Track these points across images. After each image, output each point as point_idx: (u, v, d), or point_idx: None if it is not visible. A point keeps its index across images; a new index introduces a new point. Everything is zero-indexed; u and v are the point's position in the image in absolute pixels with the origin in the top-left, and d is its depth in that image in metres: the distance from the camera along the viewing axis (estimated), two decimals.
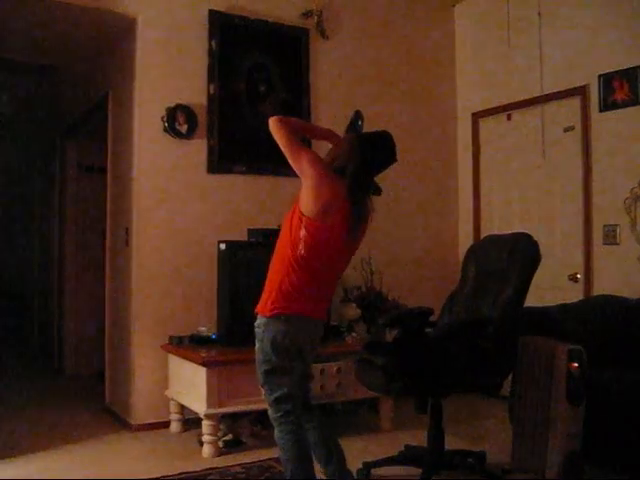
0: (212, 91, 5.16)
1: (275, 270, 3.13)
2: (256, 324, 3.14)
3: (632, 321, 4.43)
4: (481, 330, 3.68)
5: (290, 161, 3.14)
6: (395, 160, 3.36)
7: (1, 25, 5.15)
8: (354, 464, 4.10)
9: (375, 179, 3.33)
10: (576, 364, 3.67)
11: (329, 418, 5.03)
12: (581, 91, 5.27)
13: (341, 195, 3.07)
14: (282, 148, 3.14)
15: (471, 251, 4.38)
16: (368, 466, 3.89)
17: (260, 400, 4.42)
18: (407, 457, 3.99)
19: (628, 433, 3.75)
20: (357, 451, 4.30)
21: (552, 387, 3.71)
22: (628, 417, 3.75)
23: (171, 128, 5.00)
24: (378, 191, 3.47)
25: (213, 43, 5.18)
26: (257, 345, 3.12)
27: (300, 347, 3.13)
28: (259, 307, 3.15)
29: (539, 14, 5.45)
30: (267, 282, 3.17)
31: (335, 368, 4.62)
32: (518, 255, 3.82)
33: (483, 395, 5.27)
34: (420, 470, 3.65)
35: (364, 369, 3.83)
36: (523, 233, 3.97)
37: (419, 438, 4.06)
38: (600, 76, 5.12)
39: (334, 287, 3.36)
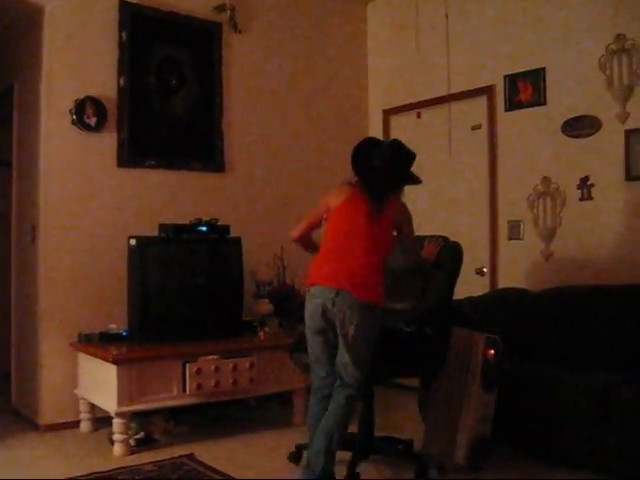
0: (122, 84, 5.07)
1: (375, 260, 3.51)
2: (371, 309, 3.45)
3: (534, 313, 4.63)
4: (428, 319, 3.82)
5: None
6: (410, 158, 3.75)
7: None
8: (269, 457, 4.17)
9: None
10: (492, 351, 3.84)
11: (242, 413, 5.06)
12: (487, 91, 5.45)
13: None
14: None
15: None
16: (300, 448, 3.95)
17: (172, 397, 4.43)
18: None
19: (530, 417, 3.96)
20: (271, 444, 4.35)
21: (467, 374, 3.87)
22: (530, 403, 3.95)
23: (80, 121, 4.88)
24: (416, 181, 3.76)
25: (123, 35, 5.08)
26: (367, 328, 3.42)
27: None
28: (371, 295, 3.46)
29: (446, 16, 5.59)
30: (366, 270, 3.49)
31: (247, 363, 4.62)
32: (443, 256, 3.98)
33: (386, 387, 5.37)
34: (350, 454, 3.70)
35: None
36: (442, 236, 4.12)
37: None
38: (506, 77, 5.31)
39: None
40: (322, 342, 3.52)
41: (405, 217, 3.66)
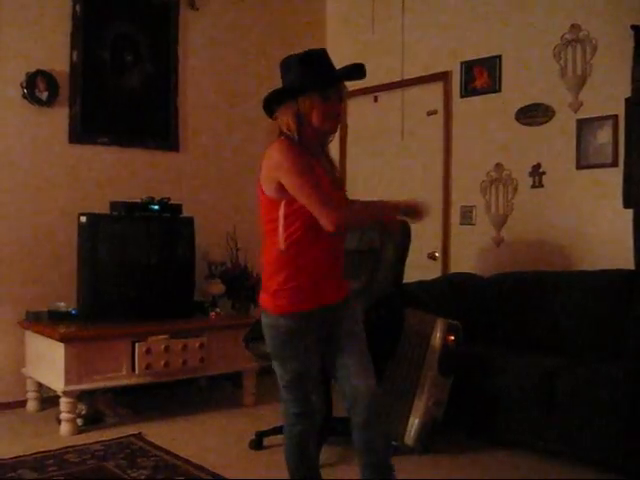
0: (75, 58, 4.97)
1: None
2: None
3: (484, 297, 4.70)
4: (382, 300, 3.83)
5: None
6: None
7: None
8: (221, 438, 4.16)
9: None
10: (452, 337, 3.89)
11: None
12: (444, 77, 5.47)
13: None
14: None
15: None
16: (260, 435, 3.94)
17: (121, 376, 4.39)
18: None
19: (477, 400, 4.03)
20: (222, 425, 4.36)
21: (423, 358, 3.90)
22: (477, 386, 4.01)
23: (30, 95, 4.78)
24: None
25: (77, 8, 4.97)
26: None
27: None
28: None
29: (402, 1, 5.60)
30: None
31: (198, 343, 4.60)
32: (391, 236, 3.99)
33: None
34: None
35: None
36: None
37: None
38: (462, 63, 5.34)
39: None
40: None
41: (276, 164, 2.57)
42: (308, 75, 2.59)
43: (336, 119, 2.64)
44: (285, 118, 2.64)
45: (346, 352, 2.64)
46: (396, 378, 4.04)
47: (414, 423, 3.87)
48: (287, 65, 2.75)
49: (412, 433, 3.85)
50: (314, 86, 2.56)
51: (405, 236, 4.04)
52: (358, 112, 6.17)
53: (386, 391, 4.02)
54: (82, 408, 4.39)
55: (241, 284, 5.21)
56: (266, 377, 4.81)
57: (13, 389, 4.73)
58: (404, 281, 4.31)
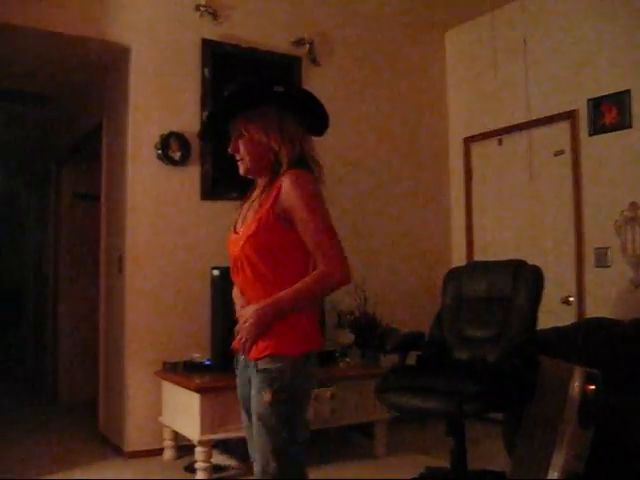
0: (205, 119, 5.21)
1: None
2: None
3: (624, 343, 4.45)
4: (515, 349, 3.74)
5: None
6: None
7: None
8: None
9: None
10: (592, 387, 3.70)
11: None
12: (570, 115, 5.33)
13: None
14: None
15: (454, 276, 4.45)
16: None
17: None
18: (430, 478, 3.99)
19: (627, 455, 3.78)
20: (355, 476, 4.32)
21: (561, 408, 3.73)
22: (629, 440, 3.77)
23: (165, 155, 5.03)
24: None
25: (206, 71, 5.23)
26: None
27: None
28: None
29: (524, 41, 5.53)
30: None
31: (329, 393, 4.60)
32: (523, 281, 3.88)
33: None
34: None
35: (414, 395, 3.78)
36: (519, 260, 4.03)
37: (418, 462, 4.06)
38: (589, 100, 5.19)
39: None
40: None
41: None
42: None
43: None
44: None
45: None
46: (532, 430, 3.87)
47: (554, 476, 3.68)
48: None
49: None
50: None
51: (538, 281, 3.92)
52: (482, 157, 6.11)
53: (522, 444, 3.88)
54: (216, 457, 4.47)
55: (370, 333, 5.20)
56: (398, 427, 4.75)
57: (151, 437, 4.89)
58: (537, 328, 4.17)
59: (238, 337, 2.32)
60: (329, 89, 5.83)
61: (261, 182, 2.44)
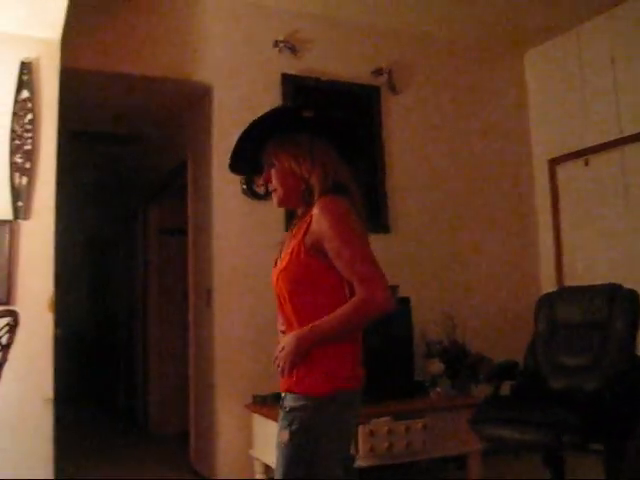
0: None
1: None
2: None
3: None
4: (615, 377, 3.61)
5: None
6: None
7: (84, 100, 5.38)
8: None
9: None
10: None
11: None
12: None
13: None
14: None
15: (546, 302, 4.33)
16: None
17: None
18: None
19: None
20: None
21: None
22: None
23: (249, 190, 5.10)
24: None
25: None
26: None
27: None
28: None
29: (612, 60, 5.38)
30: None
31: (420, 425, 4.52)
32: (620, 305, 3.76)
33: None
34: None
35: (512, 426, 3.70)
36: (615, 284, 3.90)
37: None
38: None
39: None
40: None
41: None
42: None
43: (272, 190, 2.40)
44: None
45: None
46: (637, 461, 3.71)
47: None
48: None
49: None
50: None
51: (635, 306, 3.77)
52: (568, 179, 5.96)
53: (627, 476, 3.72)
54: None
55: (460, 362, 5.09)
56: (491, 458, 4.63)
57: (242, 470, 4.87)
58: (638, 354, 4.01)
59: (275, 364, 2.26)
60: (409, 117, 5.83)
61: (299, 212, 2.38)
